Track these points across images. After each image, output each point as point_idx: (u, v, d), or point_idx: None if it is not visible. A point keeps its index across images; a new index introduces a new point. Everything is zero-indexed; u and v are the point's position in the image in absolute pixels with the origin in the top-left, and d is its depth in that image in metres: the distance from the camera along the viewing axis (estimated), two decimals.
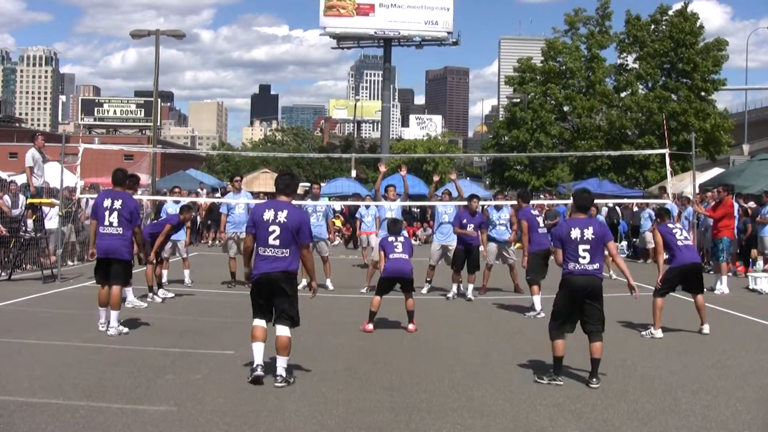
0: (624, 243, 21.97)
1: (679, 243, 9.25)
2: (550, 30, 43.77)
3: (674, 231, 9.36)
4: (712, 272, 14.87)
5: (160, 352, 7.72)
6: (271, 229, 6.48)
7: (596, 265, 6.66)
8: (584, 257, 6.63)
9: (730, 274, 14.56)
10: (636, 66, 39.81)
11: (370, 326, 9.16)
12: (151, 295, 11.36)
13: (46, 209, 14.78)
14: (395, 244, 9.31)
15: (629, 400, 6.18)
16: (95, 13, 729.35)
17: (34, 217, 14.10)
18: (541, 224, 11.17)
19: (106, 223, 8.77)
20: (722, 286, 13.55)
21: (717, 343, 8.81)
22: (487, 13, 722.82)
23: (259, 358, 6.49)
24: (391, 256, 9.23)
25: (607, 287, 13.41)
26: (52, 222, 15.11)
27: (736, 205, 15.58)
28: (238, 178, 14.57)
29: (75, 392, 6.09)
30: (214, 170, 63.65)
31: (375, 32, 61.13)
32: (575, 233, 6.67)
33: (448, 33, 61.54)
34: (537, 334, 8.95)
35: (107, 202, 8.86)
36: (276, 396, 6.12)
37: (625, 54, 40.75)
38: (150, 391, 6.20)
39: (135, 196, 10.16)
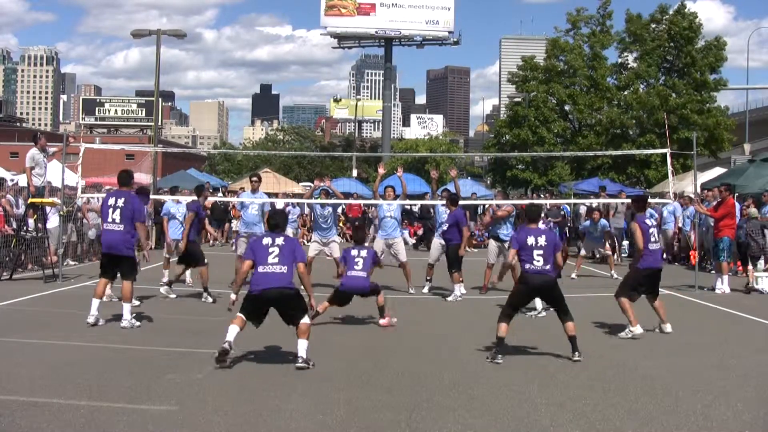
0: (625, 243, 21.90)
1: (651, 247, 9.22)
2: (551, 29, 43.92)
3: (650, 231, 9.31)
4: (713, 272, 14.88)
5: (162, 351, 7.74)
6: (270, 250, 7.22)
7: (548, 266, 7.77)
8: (538, 260, 7.75)
9: (730, 273, 14.55)
10: (636, 65, 39.81)
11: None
12: (205, 295, 11.46)
13: (47, 209, 14.78)
14: (356, 260, 9.32)
15: (629, 400, 6.19)
16: (98, 13, 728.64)
17: (35, 216, 14.12)
18: None
19: (109, 219, 9.36)
20: (723, 286, 13.56)
21: (717, 343, 8.82)
22: (488, 12, 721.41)
23: (231, 337, 6.98)
24: (349, 273, 9.28)
25: (607, 287, 13.54)
26: (52, 221, 15.12)
27: (738, 205, 15.57)
28: (255, 178, 14.14)
29: (76, 392, 6.10)
30: (216, 170, 63.66)
31: (376, 32, 61.26)
32: (531, 240, 7.80)
33: (449, 32, 61.68)
34: (538, 333, 8.99)
35: (111, 201, 9.47)
36: (277, 395, 6.14)
37: (625, 54, 40.74)
38: (151, 391, 6.21)
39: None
